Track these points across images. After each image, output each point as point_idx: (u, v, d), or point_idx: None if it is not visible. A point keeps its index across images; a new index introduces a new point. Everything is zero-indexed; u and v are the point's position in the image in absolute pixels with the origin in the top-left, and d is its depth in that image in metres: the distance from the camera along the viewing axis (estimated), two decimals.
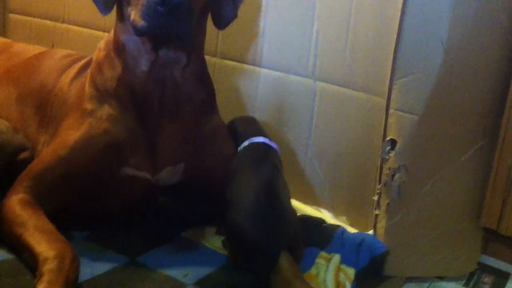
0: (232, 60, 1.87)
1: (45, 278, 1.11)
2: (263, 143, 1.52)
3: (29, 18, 2.35)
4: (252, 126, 1.60)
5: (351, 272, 1.40)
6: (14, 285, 1.16)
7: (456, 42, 1.41)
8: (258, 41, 1.81)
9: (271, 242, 1.27)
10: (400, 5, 1.43)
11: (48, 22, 2.29)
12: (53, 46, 2.23)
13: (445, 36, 1.39)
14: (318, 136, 1.72)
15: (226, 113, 1.64)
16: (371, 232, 1.55)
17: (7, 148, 1.39)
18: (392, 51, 1.47)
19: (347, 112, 1.65)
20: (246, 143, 1.51)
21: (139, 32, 1.27)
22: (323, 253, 1.45)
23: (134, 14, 1.26)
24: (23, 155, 1.40)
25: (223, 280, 1.32)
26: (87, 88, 1.45)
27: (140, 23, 1.24)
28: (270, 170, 1.42)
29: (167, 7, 1.19)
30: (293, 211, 1.41)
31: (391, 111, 1.48)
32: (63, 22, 2.25)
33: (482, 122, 1.50)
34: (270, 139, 1.55)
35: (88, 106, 1.42)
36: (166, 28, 1.24)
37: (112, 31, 1.45)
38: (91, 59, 1.53)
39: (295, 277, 1.26)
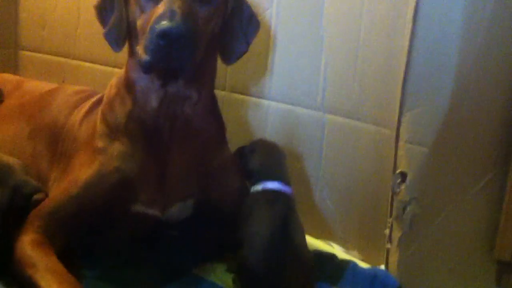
0: (241, 93, 1.88)
1: None
2: (277, 190, 1.47)
3: (40, 55, 2.39)
4: (270, 161, 1.54)
5: None
6: None
7: (465, 73, 1.41)
8: (266, 74, 1.82)
9: (283, 283, 1.26)
10: (408, 37, 1.44)
11: (58, 58, 2.33)
12: (63, 82, 2.26)
13: (454, 68, 1.39)
14: (328, 168, 1.72)
15: (235, 146, 1.64)
16: (383, 266, 1.53)
17: (23, 189, 1.39)
18: (401, 83, 1.47)
19: (356, 144, 1.65)
20: (259, 188, 1.47)
21: (144, 67, 1.30)
22: None
23: (140, 50, 1.30)
24: (38, 196, 1.40)
25: None
26: (99, 125, 1.46)
27: (144, 57, 1.27)
28: (285, 211, 1.40)
29: (168, 39, 1.21)
30: (308, 252, 1.40)
31: (400, 143, 1.47)
32: (73, 58, 2.29)
33: (493, 152, 1.49)
34: (285, 180, 1.50)
35: (100, 143, 1.43)
36: (168, 61, 1.26)
37: (124, 68, 1.47)
38: (102, 96, 1.56)
39: None
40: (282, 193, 1.46)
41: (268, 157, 1.54)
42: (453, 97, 1.41)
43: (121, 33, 1.40)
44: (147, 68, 1.30)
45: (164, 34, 1.21)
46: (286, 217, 1.38)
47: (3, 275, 1.32)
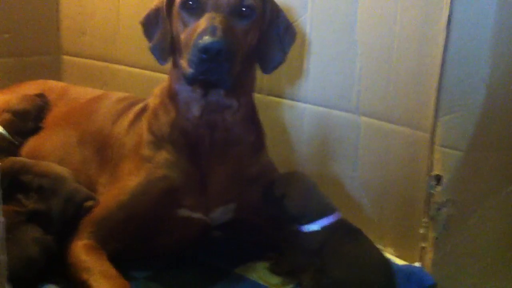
0: (277, 96, 1.94)
1: None
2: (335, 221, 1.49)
3: (81, 60, 2.48)
4: (310, 198, 1.51)
5: None
6: None
7: (498, 79, 1.44)
8: (302, 78, 1.87)
9: None
10: (440, 43, 1.48)
11: (99, 62, 2.41)
12: (105, 86, 2.34)
13: (487, 74, 1.43)
14: (364, 168, 1.77)
15: (272, 147, 1.70)
16: (418, 264, 1.58)
17: (75, 198, 1.48)
18: (433, 87, 1.51)
19: (391, 146, 1.69)
20: (315, 227, 1.46)
21: (188, 79, 1.36)
22: None
23: (183, 63, 1.36)
24: (89, 203, 1.48)
25: None
26: (145, 134, 1.53)
27: (188, 70, 1.34)
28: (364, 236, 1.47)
29: (210, 53, 1.28)
30: None
31: (435, 147, 1.52)
32: (114, 62, 2.36)
33: None
34: (333, 208, 1.51)
35: (146, 152, 1.51)
36: (210, 73, 1.33)
37: (167, 78, 1.54)
38: (146, 104, 1.62)
39: None
40: (342, 220, 1.50)
41: (306, 197, 1.50)
42: (486, 102, 1.44)
43: (166, 47, 1.47)
44: (190, 80, 1.37)
45: (206, 49, 1.28)
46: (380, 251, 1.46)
47: (58, 279, 1.41)
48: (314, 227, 1.46)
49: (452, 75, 1.47)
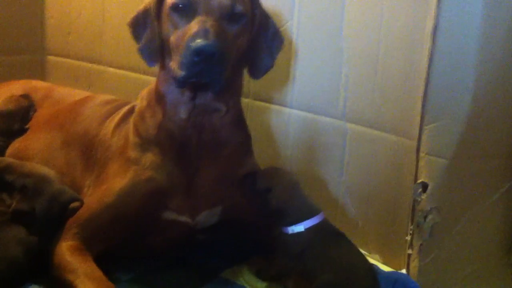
0: (264, 101, 1.94)
1: None
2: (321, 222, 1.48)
3: (67, 60, 2.45)
4: (296, 198, 1.50)
5: None
6: None
7: (484, 87, 1.45)
8: (289, 83, 1.87)
9: None
10: (427, 50, 1.49)
11: (84, 63, 2.39)
12: (90, 87, 2.32)
13: (472, 82, 1.44)
14: (350, 174, 1.77)
15: (258, 151, 1.70)
16: (403, 270, 1.59)
17: (60, 198, 1.46)
18: (420, 94, 1.52)
19: (377, 153, 1.70)
20: (301, 228, 1.45)
21: (178, 82, 1.36)
22: None
23: (174, 66, 1.36)
24: (74, 204, 1.47)
25: None
26: (131, 137, 1.53)
27: (179, 73, 1.33)
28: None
29: (202, 56, 1.28)
30: None
31: (421, 155, 1.53)
32: (99, 63, 2.34)
33: (509, 164, 1.54)
34: (317, 209, 1.50)
35: (132, 154, 1.50)
36: (201, 76, 1.33)
37: (155, 81, 1.54)
38: (132, 106, 1.62)
39: None
40: (326, 222, 1.50)
41: (291, 194, 1.50)
42: (472, 111, 1.46)
43: (155, 49, 1.46)
44: (181, 82, 1.36)
45: (198, 52, 1.28)
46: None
47: (42, 279, 1.40)
48: (298, 228, 1.45)
49: (438, 83, 1.48)
